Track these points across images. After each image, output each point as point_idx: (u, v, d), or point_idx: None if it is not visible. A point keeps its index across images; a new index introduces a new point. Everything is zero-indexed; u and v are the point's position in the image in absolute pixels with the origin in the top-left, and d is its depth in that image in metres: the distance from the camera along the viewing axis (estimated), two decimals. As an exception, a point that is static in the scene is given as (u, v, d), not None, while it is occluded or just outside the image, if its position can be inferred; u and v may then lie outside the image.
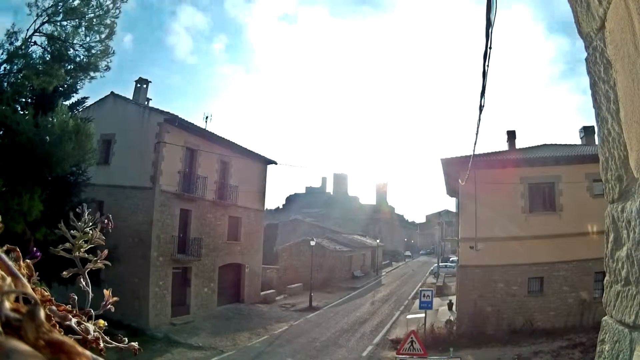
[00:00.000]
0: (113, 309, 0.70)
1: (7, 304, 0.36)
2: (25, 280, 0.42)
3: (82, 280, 0.70)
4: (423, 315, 17.01)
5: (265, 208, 28.55)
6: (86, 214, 0.74)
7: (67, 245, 0.71)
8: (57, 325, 0.47)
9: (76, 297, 0.62)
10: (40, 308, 0.38)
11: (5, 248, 0.48)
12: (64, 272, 0.72)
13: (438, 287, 28.74)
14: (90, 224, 0.74)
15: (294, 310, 23.29)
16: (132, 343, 0.65)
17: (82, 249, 0.71)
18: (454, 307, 20.14)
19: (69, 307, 0.57)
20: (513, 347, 14.15)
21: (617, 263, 1.10)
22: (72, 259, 0.71)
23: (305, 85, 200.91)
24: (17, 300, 0.39)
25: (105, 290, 0.71)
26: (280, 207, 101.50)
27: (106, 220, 0.77)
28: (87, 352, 0.39)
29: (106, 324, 0.61)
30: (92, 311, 0.63)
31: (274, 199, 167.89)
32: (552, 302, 15.93)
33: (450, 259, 41.87)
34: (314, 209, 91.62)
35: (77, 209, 0.75)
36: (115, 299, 0.71)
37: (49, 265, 1.07)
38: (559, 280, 16.04)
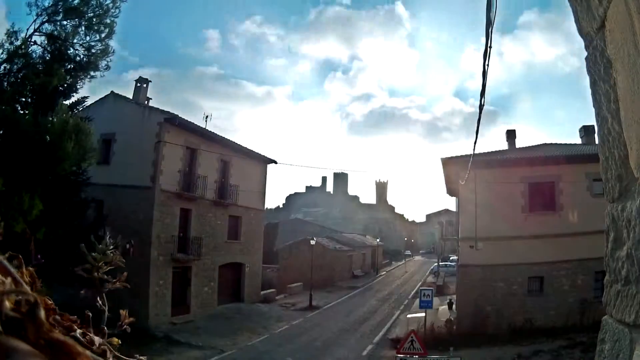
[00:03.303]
0: (129, 330, 0.70)
1: (8, 304, 0.36)
2: (27, 287, 0.42)
3: (99, 299, 0.70)
4: (423, 314, 17.03)
5: (265, 207, 28.55)
6: (108, 237, 0.75)
7: (87, 265, 0.72)
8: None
9: (91, 314, 0.63)
10: (41, 308, 0.38)
11: (7, 255, 0.48)
12: (82, 291, 0.73)
13: (438, 287, 28.76)
14: (112, 246, 0.75)
15: (294, 310, 23.31)
16: (141, 358, 0.65)
17: (100, 270, 0.72)
18: (454, 307, 20.14)
19: (74, 317, 0.57)
20: (513, 347, 14.15)
21: (617, 262, 1.10)
22: (74, 260, 0.71)
23: (306, 85, 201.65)
24: (18, 302, 0.39)
25: (121, 311, 0.72)
26: (281, 206, 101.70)
27: (128, 246, 0.78)
28: (88, 352, 0.39)
29: (120, 342, 0.61)
30: (106, 329, 0.63)
31: (274, 198, 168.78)
32: (552, 301, 15.92)
33: (450, 258, 41.86)
34: (314, 209, 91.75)
35: (97, 230, 0.76)
36: (131, 319, 0.71)
37: (50, 265, 1.07)
38: (559, 279, 16.03)
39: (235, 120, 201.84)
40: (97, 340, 0.54)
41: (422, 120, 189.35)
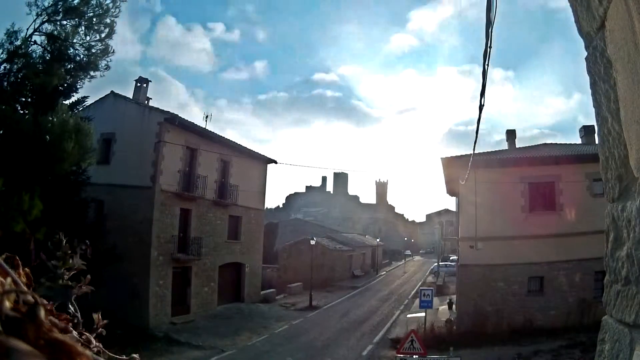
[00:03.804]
0: (104, 333, 0.70)
1: (8, 303, 0.36)
2: (24, 288, 0.42)
3: (70, 307, 0.70)
4: (423, 314, 17.03)
5: (265, 207, 28.56)
6: (64, 242, 0.74)
7: (51, 274, 0.71)
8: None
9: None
10: (41, 308, 0.38)
11: (4, 256, 0.48)
12: (49, 304, 0.72)
13: (438, 287, 28.74)
14: (69, 251, 0.74)
15: (294, 310, 23.30)
16: (134, 355, 0.65)
17: (64, 278, 0.71)
18: (454, 307, 20.15)
19: (69, 316, 0.57)
20: (513, 347, 14.14)
21: (617, 262, 1.10)
22: (67, 269, 0.71)
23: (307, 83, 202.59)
24: (17, 301, 0.39)
25: (94, 314, 0.71)
26: (281, 206, 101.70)
27: (84, 247, 0.77)
28: (88, 352, 0.39)
29: (100, 345, 0.61)
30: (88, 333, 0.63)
31: (274, 198, 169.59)
32: (552, 301, 15.93)
33: (451, 258, 41.85)
34: (314, 208, 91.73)
35: (55, 237, 0.76)
36: (105, 322, 0.71)
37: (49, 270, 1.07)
38: (559, 279, 16.03)
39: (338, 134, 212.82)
40: (93, 339, 0.54)
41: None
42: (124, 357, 0.63)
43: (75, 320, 0.66)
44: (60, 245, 0.74)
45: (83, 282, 0.73)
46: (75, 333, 0.51)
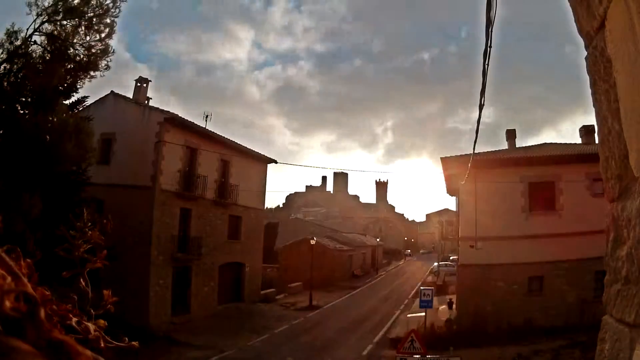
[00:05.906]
0: (113, 309, 0.70)
1: (8, 303, 0.36)
2: (25, 280, 0.42)
3: (81, 280, 0.70)
4: (423, 314, 17.01)
5: (265, 207, 28.58)
6: (85, 214, 0.74)
7: (67, 245, 0.71)
8: (58, 324, 0.47)
9: (76, 297, 0.62)
10: (41, 307, 0.38)
11: (5, 247, 0.48)
12: (64, 273, 0.72)
13: (438, 286, 28.72)
14: (90, 224, 0.74)
15: (294, 309, 23.30)
16: (133, 343, 0.65)
17: (81, 249, 0.71)
18: (454, 306, 20.14)
19: (69, 306, 0.57)
20: (513, 347, 14.12)
21: (618, 262, 1.10)
22: (72, 260, 0.71)
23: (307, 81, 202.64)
24: (17, 299, 0.39)
25: (105, 291, 0.71)
26: (281, 205, 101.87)
27: (105, 221, 0.77)
28: (88, 352, 0.39)
29: (106, 324, 0.61)
30: (92, 311, 0.63)
31: (274, 198, 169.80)
32: (552, 301, 15.91)
33: (451, 258, 41.84)
34: (314, 208, 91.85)
35: (76, 209, 0.76)
36: (114, 299, 0.71)
37: (50, 265, 1.07)
38: (559, 279, 16.02)
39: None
40: (92, 327, 0.54)
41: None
42: (123, 344, 0.63)
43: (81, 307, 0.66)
44: (81, 216, 0.74)
45: (99, 255, 0.73)
46: (74, 321, 0.51)
